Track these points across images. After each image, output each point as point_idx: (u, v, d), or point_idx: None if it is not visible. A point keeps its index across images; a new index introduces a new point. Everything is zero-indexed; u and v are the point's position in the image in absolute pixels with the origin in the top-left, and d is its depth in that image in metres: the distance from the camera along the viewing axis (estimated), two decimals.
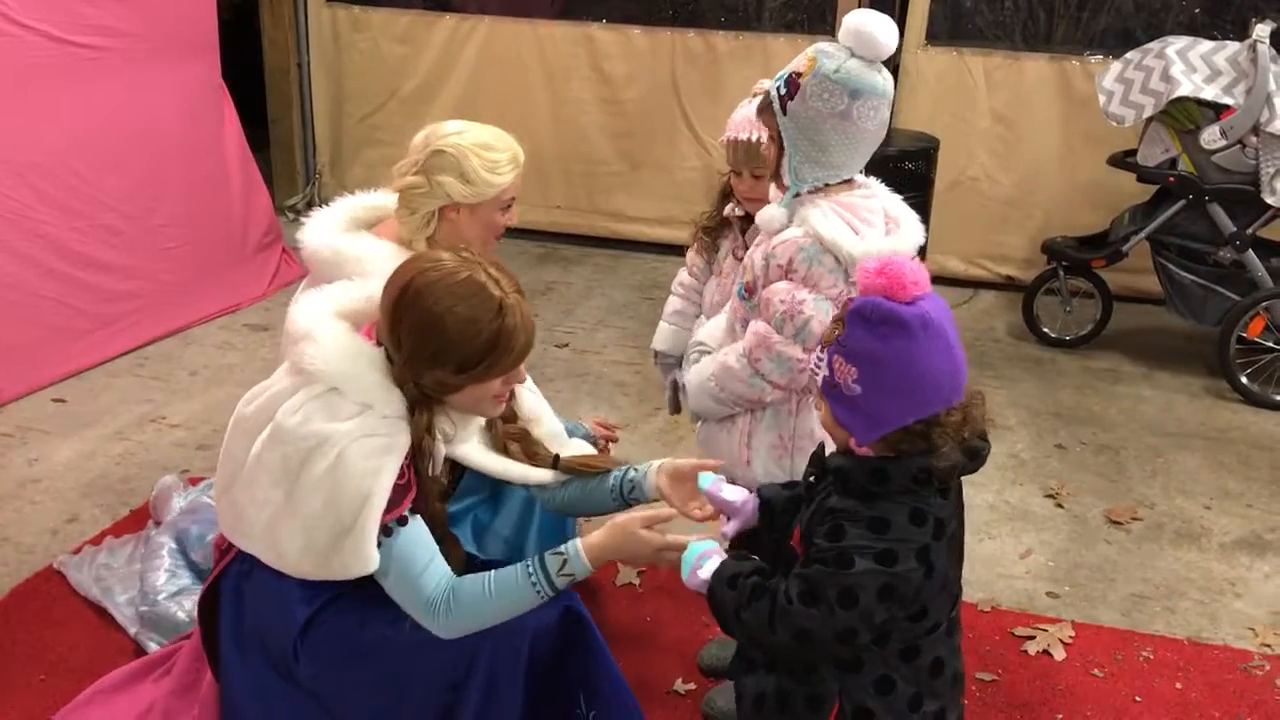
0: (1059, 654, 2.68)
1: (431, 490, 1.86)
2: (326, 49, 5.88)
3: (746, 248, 2.44)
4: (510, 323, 1.76)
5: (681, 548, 1.77)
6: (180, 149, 4.53)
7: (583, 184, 5.69)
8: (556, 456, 2.09)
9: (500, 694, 1.84)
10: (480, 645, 1.82)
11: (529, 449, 2.06)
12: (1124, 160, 4.45)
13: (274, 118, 6.03)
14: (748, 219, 2.53)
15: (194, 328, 4.55)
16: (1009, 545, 3.17)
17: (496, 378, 1.81)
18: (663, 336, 2.74)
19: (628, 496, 2.06)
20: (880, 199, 2.15)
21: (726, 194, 2.63)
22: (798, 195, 2.09)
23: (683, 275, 2.73)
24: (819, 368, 1.61)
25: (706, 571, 1.70)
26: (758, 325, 2.12)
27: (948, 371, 1.53)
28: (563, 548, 1.83)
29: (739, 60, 5.31)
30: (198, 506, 2.94)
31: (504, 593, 1.80)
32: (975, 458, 1.59)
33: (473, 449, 1.99)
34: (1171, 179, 4.27)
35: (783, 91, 2.04)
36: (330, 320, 1.82)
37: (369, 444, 1.75)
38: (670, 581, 2.93)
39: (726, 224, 2.64)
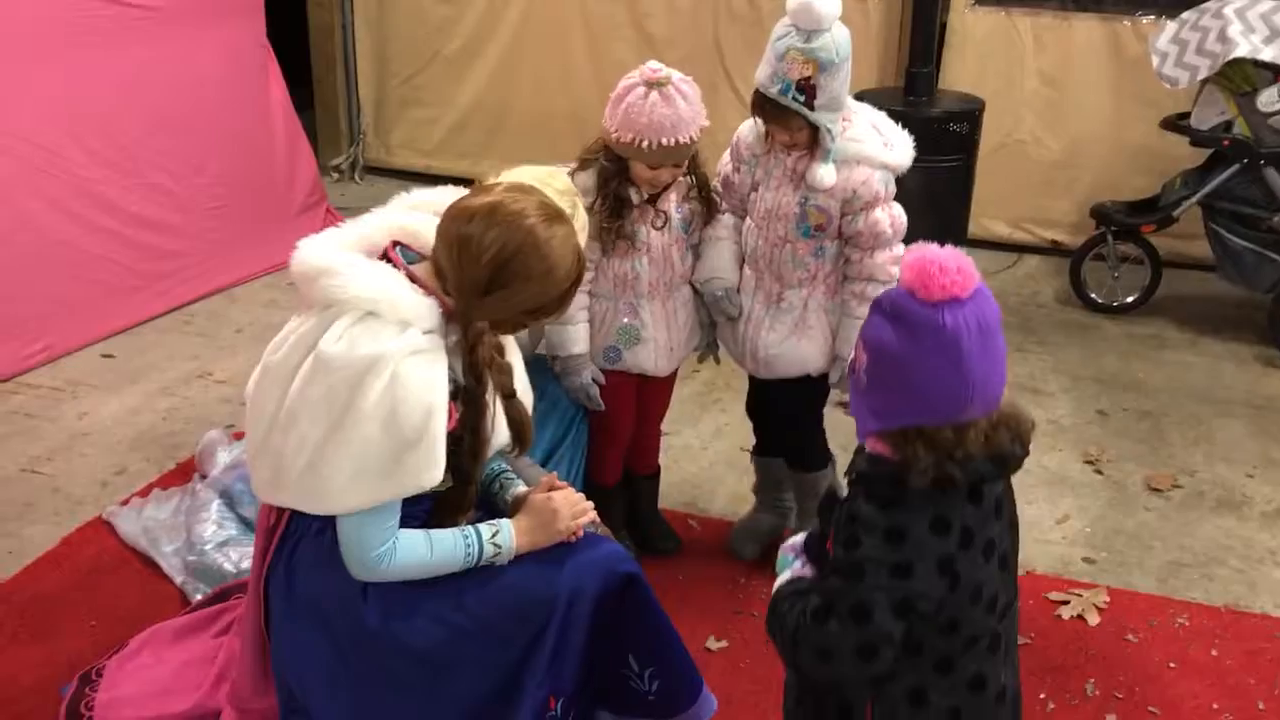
0: (1093, 619, 2.68)
1: (479, 408, 1.85)
2: (370, 9, 5.88)
3: (660, 214, 2.53)
4: (575, 284, 1.87)
5: (578, 499, 1.95)
6: (226, 109, 4.58)
7: None
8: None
9: (567, 652, 1.88)
10: (554, 605, 1.86)
11: (516, 423, 2.00)
12: (1177, 123, 4.35)
13: (318, 78, 6.06)
14: (650, 200, 2.52)
15: (239, 285, 4.62)
16: (1045, 510, 3.16)
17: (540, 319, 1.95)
18: (579, 338, 2.57)
19: (490, 488, 2.05)
20: (864, 113, 2.54)
21: (608, 179, 2.48)
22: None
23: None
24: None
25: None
26: (881, 254, 2.50)
27: (953, 384, 1.41)
28: (496, 521, 1.91)
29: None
30: (241, 462, 2.99)
31: (440, 553, 1.85)
32: (1002, 460, 1.48)
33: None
34: (1226, 143, 4.18)
35: (801, 99, 2.35)
36: (342, 252, 1.82)
37: (421, 358, 1.75)
38: (704, 542, 2.96)
39: (621, 206, 2.49)
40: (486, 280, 1.77)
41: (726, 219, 2.64)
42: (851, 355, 1.57)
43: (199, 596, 2.61)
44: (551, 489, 1.98)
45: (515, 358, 2.03)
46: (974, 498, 1.48)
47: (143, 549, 2.83)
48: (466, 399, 1.83)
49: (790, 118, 2.39)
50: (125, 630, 2.47)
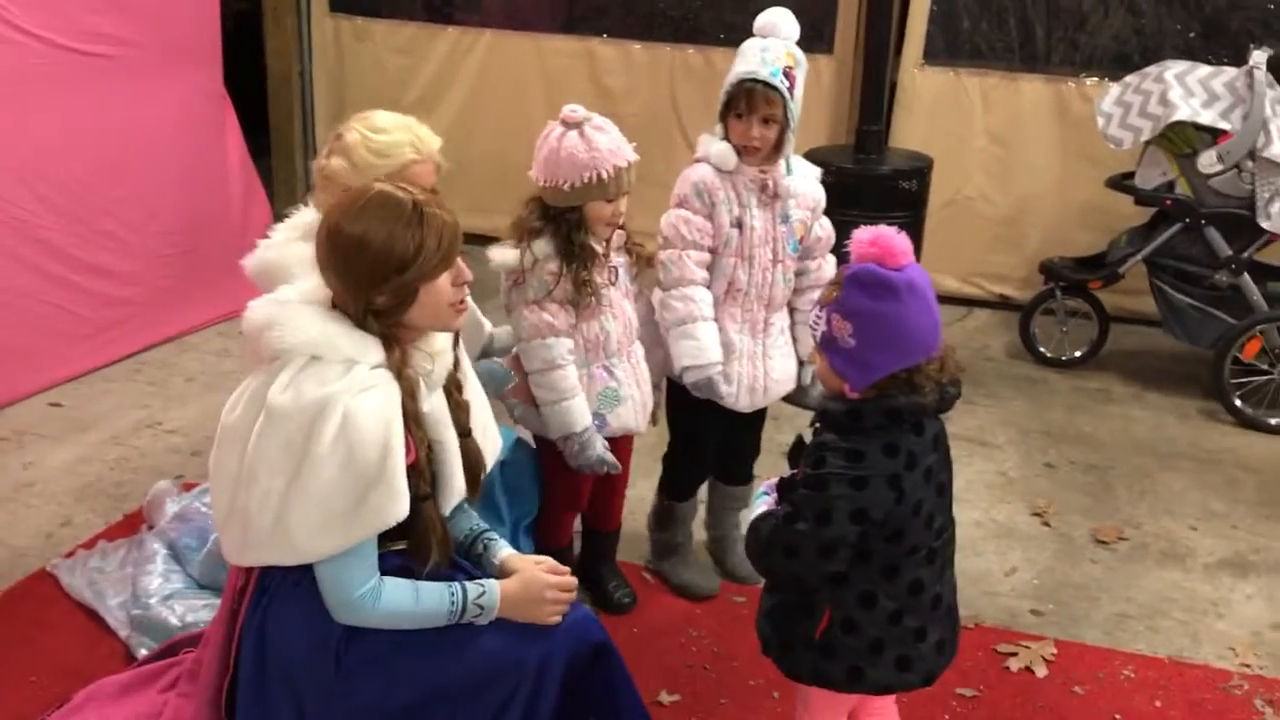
0: (1041, 671, 2.70)
1: (420, 440, 1.85)
2: (329, 59, 5.92)
3: (611, 269, 2.56)
4: (429, 214, 1.78)
5: (570, 587, 1.95)
6: (181, 156, 4.56)
7: None
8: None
9: (535, 718, 1.87)
10: (525, 671, 1.86)
11: (471, 462, 2.02)
12: (1122, 183, 4.47)
13: (275, 126, 6.06)
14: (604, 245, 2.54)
15: (191, 334, 4.58)
16: (994, 563, 3.19)
17: (439, 273, 1.81)
18: (584, 410, 2.54)
19: (471, 549, 2.05)
20: None
21: (569, 235, 2.47)
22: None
23: (567, 344, 2.52)
24: (817, 324, 1.82)
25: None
26: (830, 259, 2.77)
27: (928, 327, 1.77)
28: (483, 581, 1.91)
29: None
30: (189, 513, 2.95)
31: (426, 603, 1.84)
32: (944, 399, 1.81)
33: (440, 412, 1.94)
34: (1168, 202, 4.30)
35: (787, 84, 2.55)
36: (281, 303, 1.83)
37: (371, 395, 1.75)
38: (657, 594, 2.96)
39: (590, 257, 2.49)
40: (326, 258, 1.80)
41: (703, 293, 2.63)
42: (819, 332, 1.82)
43: (144, 651, 2.56)
44: (548, 569, 1.96)
45: (475, 394, 2.04)
46: (916, 430, 1.80)
47: (87, 602, 2.78)
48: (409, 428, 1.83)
49: (775, 103, 2.54)
50: (68, 685, 2.43)
